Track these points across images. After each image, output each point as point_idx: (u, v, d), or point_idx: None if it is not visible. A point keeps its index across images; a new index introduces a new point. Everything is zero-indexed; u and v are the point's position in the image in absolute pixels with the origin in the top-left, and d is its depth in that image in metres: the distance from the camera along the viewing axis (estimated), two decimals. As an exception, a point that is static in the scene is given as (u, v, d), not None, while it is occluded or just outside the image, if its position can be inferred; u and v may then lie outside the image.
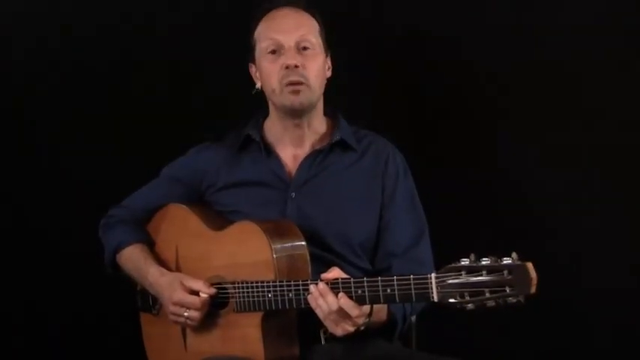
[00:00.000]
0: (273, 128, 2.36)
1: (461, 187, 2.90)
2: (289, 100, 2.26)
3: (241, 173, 2.34)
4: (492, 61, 2.89)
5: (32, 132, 3.10)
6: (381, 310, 2.13)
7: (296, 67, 2.24)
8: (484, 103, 2.94)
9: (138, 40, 3.05)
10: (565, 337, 2.87)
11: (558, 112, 2.86)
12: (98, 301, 3.00)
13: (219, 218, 2.31)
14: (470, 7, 2.89)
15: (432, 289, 1.91)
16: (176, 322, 2.25)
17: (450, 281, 1.89)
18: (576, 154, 2.85)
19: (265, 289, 2.12)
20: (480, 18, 2.89)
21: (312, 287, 2.04)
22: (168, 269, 2.31)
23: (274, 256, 2.13)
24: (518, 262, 1.83)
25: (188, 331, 2.27)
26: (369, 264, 2.29)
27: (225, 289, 2.20)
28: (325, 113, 2.37)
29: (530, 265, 1.83)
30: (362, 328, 2.04)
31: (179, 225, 2.34)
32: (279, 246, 2.14)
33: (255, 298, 2.13)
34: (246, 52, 2.36)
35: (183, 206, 2.35)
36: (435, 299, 1.92)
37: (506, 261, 1.84)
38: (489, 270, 1.85)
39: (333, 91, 2.36)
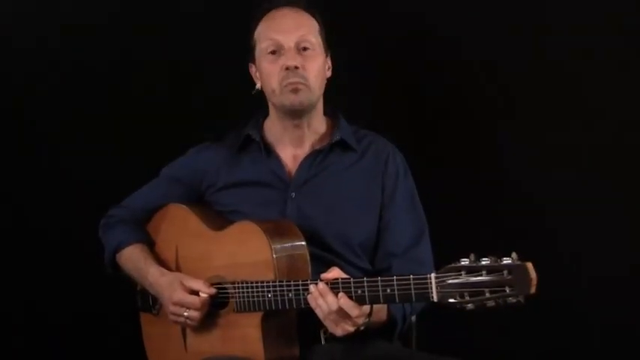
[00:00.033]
0: (273, 128, 2.36)
1: (461, 187, 2.90)
2: (289, 99, 2.26)
3: (241, 173, 2.34)
4: (492, 61, 2.89)
5: (32, 132, 3.10)
6: (380, 310, 2.13)
7: (296, 68, 2.24)
8: (484, 103, 2.94)
9: (138, 40, 3.05)
10: (565, 337, 2.87)
11: (558, 112, 2.86)
12: (98, 301, 3.00)
13: (219, 218, 2.31)
14: (470, 7, 2.89)
15: (431, 289, 1.91)
16: (176, 322, 2.25)
17: (450, 281, 1.89)
18: (576, 154, 2.85)
19: (265, 289, 2.12)
20: (480, 18, 2.89)
21: (311, 287, 2.04)
22: (168, 269, 2.30)
23: (274, 256, 2.13)
24: (518, 262, 1.83)
25: (188, 331, 2.27)
26: (368, 264, 2.29)
27: (225, 289, 2.20)
28: (325, 113, 2.37)
29: (530, 265, 1.83)
30: (362, 328, 2.04)
31: (179, 225, 2.34)
32: (279, 246, 2.14)
33: (255, 298, 2.13)
34: (246, 52, 2.35)
35: (183, 206, 2.35)
36: (435, 299, 1.91)
37: (506, 261, 1.83)
38: (489, 270, 1.85)
39: (333, 91, 2.36)
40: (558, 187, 2.86)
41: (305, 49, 2.27)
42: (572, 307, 2.84)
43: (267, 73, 2.29)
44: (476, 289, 1.85)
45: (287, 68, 2.24)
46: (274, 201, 2.29)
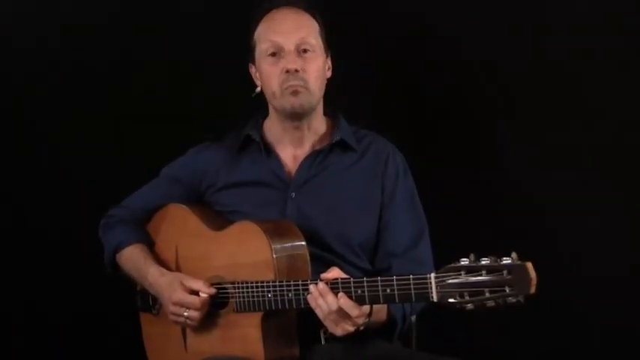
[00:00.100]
0: (273, 128, 2.36)
1: (461, 187, 2.90)
2: (289, 102, 2.26)
3: (241, 173, 2.34)
4: (492, 61, 2.89)
5: (32, 132, 3.10)
6: (380, 310, 2.13)
7: (296, 71, 2.24)
8: (484, 103, 2.94)
9: (138, 40, 3.05)
10: (565, 337, 2.87)
11: (558, 112, 2.86)
12: (98, 301, 3.00)
13: (219, 218, 2.31)
14: (470, 7, 2.89)
15: (431, 289, 1.91)
16: (176, 322, 2.25)
17: (450, 281, 1.89)
18: (576, 154, 2.85)
19: (265, 289, 2.12)
20: (480, 18, 2.89)
21: (311, 287, 2.04)
22: (168, 269, 2.30)
23: (274, 256, 2.13)
24: (518, 262, 1.83)
25: (188, 331, 2.27)
26: (368, 264, 2.29)
27: (225, 289, 2.20)
28: (325, 113, 2.37)
29: (529, 265, 1.83)
30: (362, 328, 2.04)
31: (179, 225, 2.34)
32: (279, 246, 2.14)
33: (255, 298, 2.13)
34: (246, 52, 2.35)
35: (183, 206, 2.35)
36: (435, 299, 1.91)
37: (506, 261, 1.83)
38: (489, 270, 1.85)
39: (333, 91, 2.36)
40: (558, 187, 2.86)
41: (305, 51, 2.27)
42: (572, 307, 2.84)
43: (267, 76, 2.29)
44: (476, 289, 1.85)
45: (287, 71, 2.24)
46: (274, 201, 2.29)
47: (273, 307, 2.11)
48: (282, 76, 2.25)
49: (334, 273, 2.05)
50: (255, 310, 2.14)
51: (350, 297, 2.00)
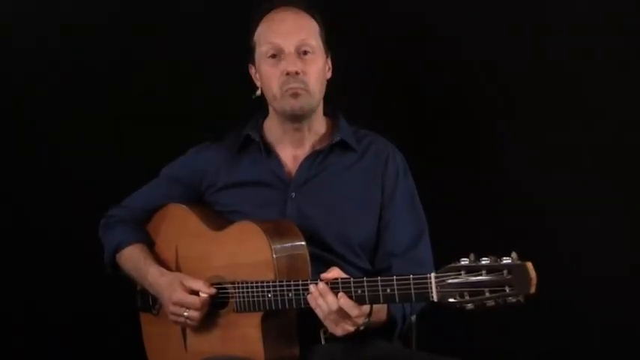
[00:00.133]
0: (273, 128, 2.36)
1: (461, 187, 2.90)
2: (289, 104, 2.26)
3: (241, 173, 2.34)
4: (492, 61, 2.89)
5: (32, 132, 3.10)
6: (380, 310, 2.13)
7: (297, 73, 2.24)
8: (484, 103, 2.94)
9: (138, 40, 3.05)
10: (565, 337, 2.87)
11: (558, 112, 2.86)
12: (98, 301, 3.00)
13: (219, 218, 2.31)
14: (470, 7, 2.89)
15: (431, 288, 1.91)
16: (176, 322, 2.25)
17: (450, 281, 1.89)
18: (576, 154, 2.85)
19: (265, 289, 2.12)
20: (480, 18, 2.89)
21: (311, 287, 2.04)
22: (168, 269, 2.30)
23: (274, 256, 2.13)
24: (518, 262, 1.83)
25: (188, 331, 2.27)
26: (368, 264, 2.29)
27: (225, 289, 2.20)
28: (325, 113, 2.37)
29: (529, 265, 1.83)
30: (362, 328, 2.04)
31: (179, 225, 2.34)
32: (279, 246, 2.14)
33: (255, 298, 2.13)
34: (246, 52, 2.35)
35: (183, 206, 2.35)
36: (435, 299, 1.92)
37: (506, 261, 1.84)
38: (489, 270, 1.85)
39: (333, 91, 2.36)
40: (558, 187, 2.86)
41: (305, 52, 2.27)
42: (572, 307, 2.84)
43: (267, 77, 2.28)
44: (476, 288, 1.85)
45: (287, 74, 2.24)
46: (274, 201, 2.29)
47: (273, 307, 2.11)
48: (283, 78, 2.25)
49: (334, 273, 2.05)
50: (255, 310, 2.14)
51: (350, 297, 2.00)
